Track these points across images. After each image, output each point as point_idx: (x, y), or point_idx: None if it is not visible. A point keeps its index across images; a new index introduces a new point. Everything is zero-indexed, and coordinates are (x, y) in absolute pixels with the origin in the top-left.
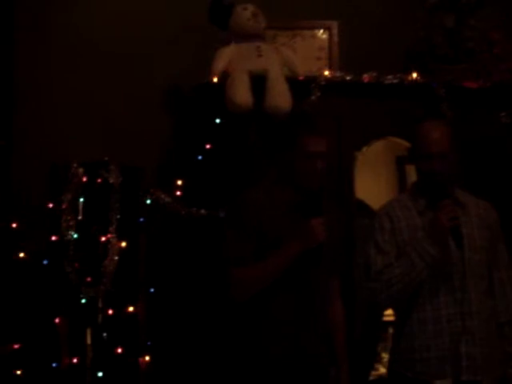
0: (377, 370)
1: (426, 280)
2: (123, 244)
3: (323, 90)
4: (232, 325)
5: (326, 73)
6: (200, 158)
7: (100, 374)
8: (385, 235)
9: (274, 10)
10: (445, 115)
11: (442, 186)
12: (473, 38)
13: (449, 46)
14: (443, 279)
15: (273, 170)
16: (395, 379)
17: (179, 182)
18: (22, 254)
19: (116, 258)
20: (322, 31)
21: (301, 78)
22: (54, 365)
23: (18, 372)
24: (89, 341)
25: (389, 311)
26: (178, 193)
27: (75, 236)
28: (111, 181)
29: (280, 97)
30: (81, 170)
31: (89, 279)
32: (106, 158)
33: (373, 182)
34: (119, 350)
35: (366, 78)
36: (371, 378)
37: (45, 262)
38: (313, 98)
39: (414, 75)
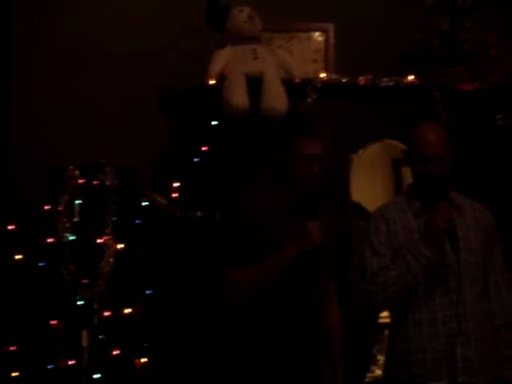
0: (372, 372)
1: (421, 282)
2: (119, 246)
3: (319, 93)
4: (228, 327)
5: (322, 75)
6: (196, 160)
7: (96, 376)
8: (380, 237)
9: (271, 13)
10: (441, 118)
11: (437, 188)
12: (468, 41)
13: (444, 49)
14: (439, 281)
15: (269, 173)
16: (391, 381)
17: (175, 184)
18: (18, 256)
19: (112, 259)
20: (318, 33)
21: (297, 80)
22: (50, 367)
23: (15, 374)
24: (85, 343)
25: (384, 313)
26: (175, 195)
27: (71, 238)
28: (107, 183)
29: (276, 99)
30: (77, 172)
31: (85, 281)
32: (103, 160)
33: (369, 185)
34: (115, 352)
35: (362, 80)
36: (367, 380)
37: (41, 264)
38: (309, 100)
39: (410, 78)
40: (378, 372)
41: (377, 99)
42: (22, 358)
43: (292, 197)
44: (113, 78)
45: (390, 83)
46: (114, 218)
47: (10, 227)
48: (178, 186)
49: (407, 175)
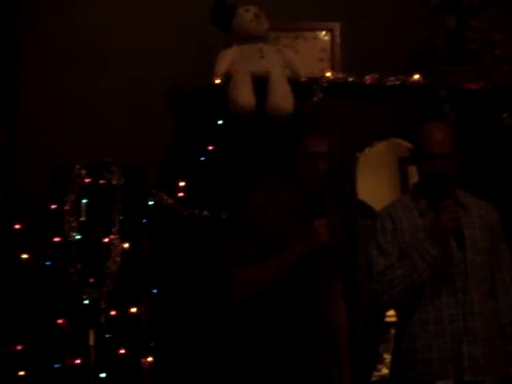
0: (379, 370)
1: (427, 281)
2: (126, 245)
3: (325, 92)
4: (235, 326)
5: (328, 74)
6: (202, 159)
7: (103, 375)
8: (387, 236)
9: (277, 12)
10: (447, 116)
11: (443, 187)
12: (475, 40)
13: (451, 48)
14: (445, 280)
15: (275, 172)
16: (397, 380)
17: (182, 184)
18: (24, 255)
19: (119, 259)
20: (324, 33)
21: (303, 79)
22: (56, 366)
23: (21, 373)
24: (92, 342)
25: (391, 312)
26: (181, 194)
27: (78, 237)
28: (114, 182)
29: (282, 98)
30: (83, 172)
31: (91, 280)
32: (109, 159)
33: (375, 183)
34: (122, 351)
35: (368, 79)
36: (373, 378)
37: (48, 263)
38: (315, 99)
39: (416, 77)
40: (385, 371)
41: (383, 98)
42: (28, 357)
43: (298, 195)
44: (119, 77)
45: (396, 82)
46: (120, 217)
47: (16, 226)
48: (185, 185)
49: (413, 174)
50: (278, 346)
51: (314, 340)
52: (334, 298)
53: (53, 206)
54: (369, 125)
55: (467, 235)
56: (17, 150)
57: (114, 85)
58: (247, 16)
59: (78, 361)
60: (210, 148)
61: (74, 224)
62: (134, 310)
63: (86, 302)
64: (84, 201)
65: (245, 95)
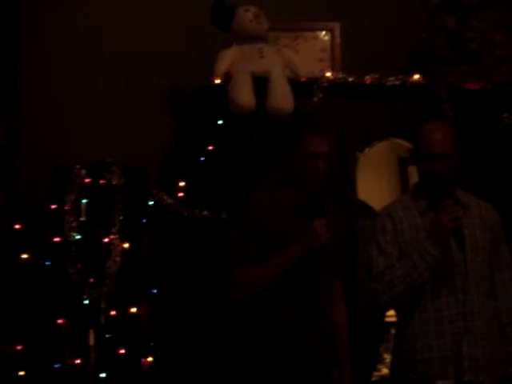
0: (379, 370)
1: (427, 281)
2: (126, 245)
3: (325, 92)
4: (235, 326)
5: (328, 74)
6: (202, 159)
7: (103, 375)
8: (387, 236)
9: (277, 12)
10: (447, 116)
11: (443, 187)
12: (474, 40)
13: (451, 48)
14: (445, 280)
15: (275, 172)
16: (397, 380)
17: (182, 184)
18: (24, 255)
19: (119, 259)
20: (324, 33)
21: (303, 79)
22: (56, 366)
23: (21, 373)
24: (92, 342)
25: (391, 312)
26: (181, 194)
27: (78, 237)
28: (114, 182)
29: (282, 98)
30: (83, 172)
31: (92, 280)
32: (109, 159)
33: (375, 183)
34: (122, 351)
35: (368, 79)
36: (373, 378)
37: (48, 263)
38: (315, 99)
39: (416, 77)
40: (385, 371)
41: (383, 98)
42: (28, 356)
43: (298, 195)
44: (119, 77)
45: (396, 82)
46: (120, 217)
47: (16, 226)
48: (185, 185)
49: (413, 174)
50: (278, 346)
51: (313, 340)
52: (334, 297)
53: (53, 206)
54: (369, 125)
55: (467, 235)
56: (17, 149)
57: (113, 85)
58: (247, 16)
59: (78, 361)
60: (210, 148)
61: (74, 224)
62: (134, 310)
63: (86, 301)
64: (84, 201)
65: (245, 95)
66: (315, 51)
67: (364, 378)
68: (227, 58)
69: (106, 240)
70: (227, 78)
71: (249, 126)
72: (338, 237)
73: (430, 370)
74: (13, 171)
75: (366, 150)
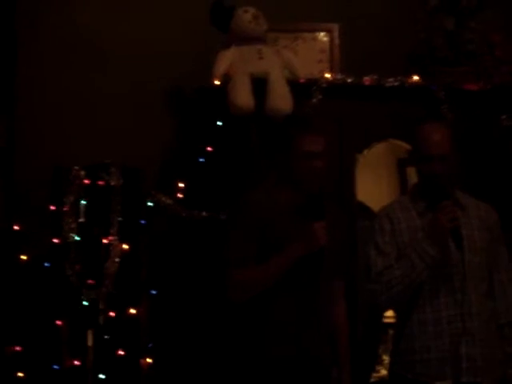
0: (378, 371)
1: (426, 281)
2: (125, 246)
3: (324, 93)
4: (234, 326)
5: (327, 75)
6: (201, 160)
7: (101, 376)
8: (385, 237)
9: (276, 13)
10: (445, 118)
11: (441, 188)
12: (473, 41)
13: (449, 49)
14: (443, 280)
15: (273, 172)
16: (395, 381)
17: (180, 185)
18: (23, 256)
19: (117, 260)
20: (323, 34)
21: (302, 80)
22: (55, 367)
23: (20, 374)
24: (90, 343)
25: (389, 313)
26: (180, 195)
27: (77, 238)
28: (113, 183)
29: (281, 99)
30: (82, 173)
31: (90, 281)
32: (108, 161)
33: (374, 185)
34: (121, 352)
35: (366, 80)
36: (372, 379)
37: (46, 265)
38: (314, 100)
39: (415, 78)
40: (384, 372)
41: (382, 99)
42: (27, 358)
43: (297, 196)
44: (118, 78)
45: (395, 83)
46: (119, 219)
47: (15, 227)
48: (183, 186)
49: (412, 175)
50: (278, 346)
51: (313, 340)
52: (335, 297)
53: (52, 207)
54: (368, 126)
55: (465, 236)
56: (16, 151)
57: (112, 85)
58: (246, 17)
59: (77, 362)
60: (209, 149)
61: (72, 225)
62: (132, 311)
63: (85, 302)
64: (83, 202)
65: (244, 96)
66: (314, 52)
67: (363, 379)
68: (226, 59)
69: (105, 241)
70: (226, 79)
71: (247, 127)
72: (338, 238)
73: (428, 370)
74: (12, 172)
75: (365, 151)
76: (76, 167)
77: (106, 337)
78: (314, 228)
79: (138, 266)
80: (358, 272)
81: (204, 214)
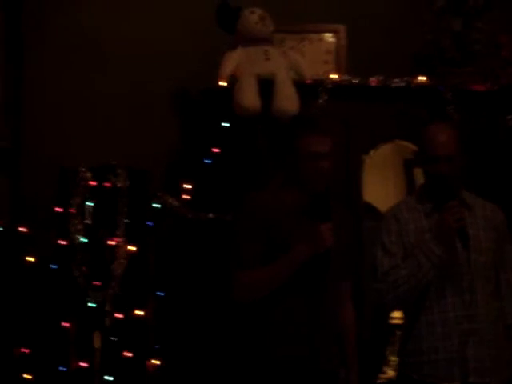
0: (385, 373)
1: (432, 281)
2: (131, 248)
3: (330, 94)
4: (240, 328)
5: (334, 76)
6: (208, 161)
7: (108, 378)
8: (392, 237)
9: (282, 14)
10: (452, 118)
11: (448, 188)
12: (480, 41)
13: (456, 49)
14: (450, 281)
15: (280, 173)
16: (403, 382)
17: (187, 186)
18: (30, 258)
19: (124, 261)
20: (329, 35)
21: (308, 81)
22: (62, 369)
23: (27, 376)
24: (97, 344)
25: (397, 314)
26: (186, 196)
27: (83, 240)
28: (119, 185)
29: (287, 100)
30: (89, 174)
31: (97, 283)
32: (114, 162)
33: (380, 185)
34: (128, 354)
35: (373, 81)
36: (380, 381)
37: (53, 266)
38: (320, 101)
39: (421, 78)
40: (391, 373)
41: (388, 100)
42: (34, 360)
43: (303, 197)
44: (124, 79)
45: (402, 84)
46: (125, 220)
47: (21, 229)
48: (190, 188)
49: (419, 176)
50: (283, 348)
51: (324, 340)
52: (342, 298)
53: (58, 209)
54: (374, 127)
55: (471, 236)
56: (22, 152)
57: (118, 87)
58: (252, 18)
59: (84, 364)
60: (216, 150)
61: (79, 227)
62: (139, 312)
63: (92, 304)
64: (89, 203)
65: (250, 97)
66: (320, 53)
67: (370, 380)
68: (232, 60)
69: (112, 243)
70: (232, 80)
71: (254, 128)
72: (344, 239)
73: (435, 372)
74: (18, 174)
75: (372, 152)
76: (82, 169)
77: (112, 338)
78: (319, 229)
79: (144, 268)
80: (364, 273)
81: (210, 215)
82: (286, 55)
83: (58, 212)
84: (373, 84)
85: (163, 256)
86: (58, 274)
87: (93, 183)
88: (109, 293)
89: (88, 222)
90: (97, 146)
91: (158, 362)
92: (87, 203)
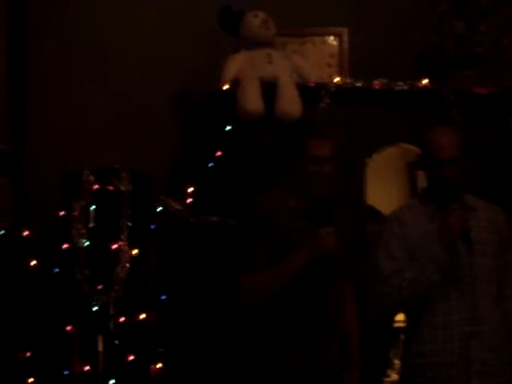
0: (389, 376)
1: (436, 284)
2: (134, 251)
3: (333, 97)
4: (243, 332)
5: (337, 79)
6: (211, 165)
7: (112, 382)
8: (395, 240)
9: (285, 17)
10: (455, 121)
11: (451, 191)
12: (483, 44)
13: (459, 52)
14: (453, 284)
15: (283, 177)
16: None
17: (190, 189)
18: (33, 262)
19: (127, 265)
20: (332, 38)
21: (311, 84)
22: (65, 372)
23: (30, 380)
24: (100, 348)
25: (400, 317)
26: (189, 200)
27: (86, 243)
28: (122, 188)
29: (290, 103)
30: (92, 178)
31: (100, 287)
32: (117, 166)
33: (384, 189)
34: (131, 358)
35: (376, 84)
36: None
37: (56, 270)
38: (323, 104)
39: (425, 81)
40: (395, 376)
41: (391, 103)
42: (37, 363)
43: (305, 201)
44: (127, 82)
45: (405, 87)
46: (128, 224)
47: (24, 233)
48: (193, 191)
49: (422, 179)
50: (286, 352)
51: (327, 343)
52: (345, 302)
53: (61, 213)
54: (377, 130)
55: (475, 238)
56: (25, 156)
57: (121, 90)
58: (255, 21)
59: (87, 367)
60: (219, 154)
61: (82, 230)
62: (142, 316)
63: (95, 308)
64: (92, 207)
65: (253, 101)
66: (323, 56)
67: (374, 383)
68: (235, 64)
69: (115, 246)
70: (235, 83)
71: (257, 132)
72: (348, 242)
73: (438, 374)
74: (21, 177)
75: (375, 156)
76: (86, 172)
77: (116, 342)
78: (321, 234)
79: (147, 271)
80: (367, 276)
81: (213, 218)
82: (288, 58)
83: (61, 215)
84: (376, 87)
85: (166, 259)
86: (61, 277)
87: (96, 187)
88: (112, 296)
89: (91, 225)
90: (100, 150)
91: (161, 366)
92: (90, 207)
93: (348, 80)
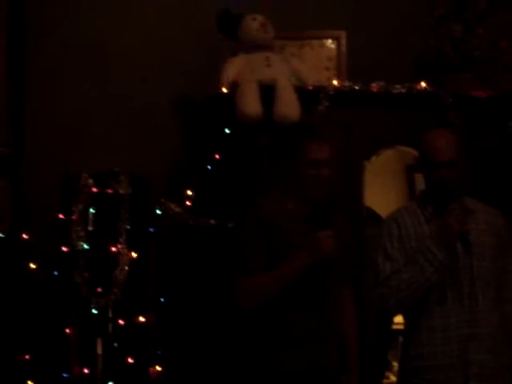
0: (388, 378)
1: (434, 286)
2: (133, 254)
3: (332, 100)
4: (243, 335)
5: (335, 82)
6: (209, 168)
7: None
8: (393, 242)
9: (283, 20)
10: (453, 124)
11: (449, 194)
12: (481, 47)
13: (457, 55)
14: (452, 286)
15: (282, 180)
16: None
17: (189, 192)
18: (32, 265)
19: (126, 268)
20: (330, 41)
21: (309, 87)
22: (64, 375)
23: (30, 382)
24: (99, 351)
25: (399, 319)
26: (188, 203)
27: (85, 246)
28: (121, 191)
29: (288, 106)
30: (91, 181)
31: (99, 289)
32: (117, 169)
33: (382, 191)
34: (130, 360)
35: (374, 87)
36: None
37: (55, 273)
38: (321, 107)
39: (423, 84)
40: (393, 378)
41: (389, 106)
42: (36, 366)
43: (303, 204)
44: (127, 86)
45: (403, 90)
46: (127, 227)
47: (24, 236)
48: (192, 194)
49: (420, 181)
50: (284, 355)
51: (326, 347)
52: (344, 305)
53: (60, 216)
54: (375, 133)
55: (473, 241)
56: (24, 159)
57: (121, 93)
58: (254, 25)
59: (86, 370)
60: (217, 157)
61: (81, 233)
62: (141, 318)
63: (94, 311)
64: (91, 210)
65: (252, 104)
66: (321, 59)
67: None
68: (234, 67)
69: (114, 249)
70: (234, 86)
71: (255, 135)
72: (346, 245)
73: (436, 377)
74: (20, 180)
75: (373, 158)
76: (85, 175)
77: (115, 345)
78: (319, 237)
79: (146, 274)
80: (365, 279)
81: (212, 221)
82: (287, 61)
83: (60, 218)
84: (374, 90)
85: (165, 262)
86: (60, 280)
87: (95, 190)
88: (111, 299)
89: (90, 228)
90: (99, 153)
91: (160, 369)
92: (89, 210)
93: (346, 83)
